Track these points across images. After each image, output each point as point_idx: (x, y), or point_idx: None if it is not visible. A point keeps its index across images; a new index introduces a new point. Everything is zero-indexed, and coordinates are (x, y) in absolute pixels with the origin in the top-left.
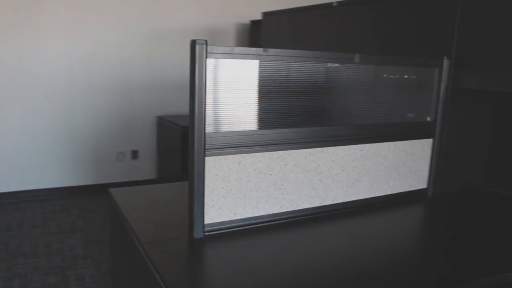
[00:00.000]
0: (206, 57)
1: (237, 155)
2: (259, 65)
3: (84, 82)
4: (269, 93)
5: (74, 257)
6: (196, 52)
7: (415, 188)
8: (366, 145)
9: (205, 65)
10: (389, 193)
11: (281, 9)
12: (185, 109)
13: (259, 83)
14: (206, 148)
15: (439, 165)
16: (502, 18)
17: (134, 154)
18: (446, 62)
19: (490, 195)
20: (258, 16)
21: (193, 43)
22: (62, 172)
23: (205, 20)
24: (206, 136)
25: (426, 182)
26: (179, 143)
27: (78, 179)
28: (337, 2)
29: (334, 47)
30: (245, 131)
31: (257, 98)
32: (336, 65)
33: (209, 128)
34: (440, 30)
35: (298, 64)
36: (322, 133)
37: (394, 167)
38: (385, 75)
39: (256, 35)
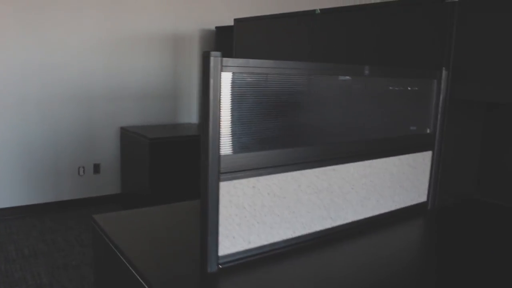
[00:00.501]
0: (221, 71)
1: (252, 178)
2: (275, 78)
3: (40, 92)
4: (285, 109)
5: (39, 287)
6: (210, 65)
7: (416, 202)
8: (374, 160)
9: (220, 80)
10: (393, 208)
11: (255, 16)
12: (150, 119)
13: (276, 97)
14: (221, 172)
15: (438, 177)
16: (499, 28)
17: (96, 168)
18: (445, 73)
19: (485, 205)
20: (224, 22)
21: (207, 55)
22: (18, 190)
23: (169, 26)
24: (221, 159)
25: (425, 195)
26: (147, 156)
27: (36, 197)
28: (320, 9)
29: (316, 57)
30: (261, 152)
31: (274, 115)
32: (347, 78)
33: (224, 150)
34: (437, 41)
35: (310, 78)
36: (335, 150)
37: (398, 182)
38: (390, 87)
39: (222, 42)
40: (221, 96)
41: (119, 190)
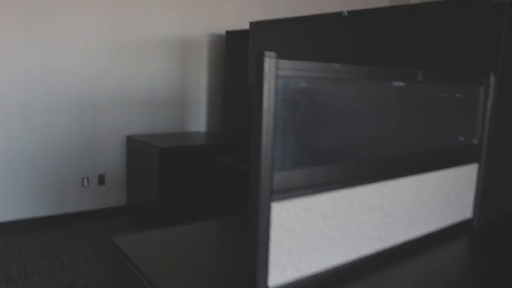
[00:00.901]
0: (277, 74)
1: (305, 198)
2: (336, 84)
3: (42, 99)
4: (341, 118)
5: None
6: (265, 68)
7: (462, 219)
8: (425, 174)
9: (276, 85)
10: (441, 226)
11: (273, 19)
12: (157, 128)
13: (332, 105)
14: (273, 191)
15: (484, 191)
16: None
17: (101, 179)
18: (493, 78)
19: None
20: (234, 27)
21: (261, 56)
22: (19, 202)
23: (177, 30)
24: (274, 176)
25: (471, 211)
26: (157, 166)
27: (38, 210)
28: (348, 11)
29: (343, 61)
30: (315, 168)
31: (329, 125)
32: (401, 84)
33: (277, 165)
34: (484, 44)
35: (366, 84)
36: (388, 165)
37: (446, 198)
38: (440, 94)
39: (233, 47)
40: (277, 104)
41: (125, 202)
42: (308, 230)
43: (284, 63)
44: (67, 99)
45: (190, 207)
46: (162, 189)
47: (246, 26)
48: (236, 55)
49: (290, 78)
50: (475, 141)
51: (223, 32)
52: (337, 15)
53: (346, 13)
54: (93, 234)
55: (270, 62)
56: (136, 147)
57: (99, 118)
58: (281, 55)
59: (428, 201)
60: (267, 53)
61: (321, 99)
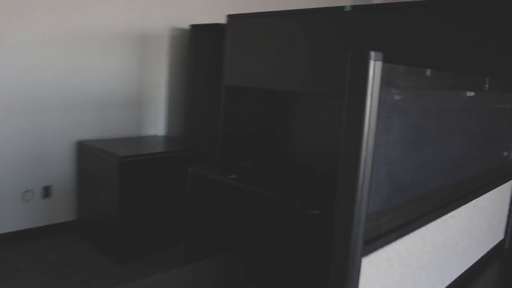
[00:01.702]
0: (383, 84)
1: (388, 246)
2: (427, 95)
3: None
4: (433, 139)
5: None
6: (369, 74)
7: (497, 241)
8: (480, 198)
9: (378, 99)
10: (484, 252)
11: (255, 12)
12: (112, 132)
13: (426, 123)
14: (366, 241)
15: None
16: None
17: (46, 191)
18: None
19: None
20: (200, 20)
21: (363, 57)
22: None
23: (135, 23)
24: (368, 221)
25: (503, 232)
26: (116, 176)
27: None
28: (352, 6)
29: (341, 63)
30: (403, 204)
31: (422, 148)
32: (472, 93)
33: (372, 205)
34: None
35: (449, 94)
36: (456, 191)
37: (490, 221)
38: (498, 105)
39: (199, 43)
40: (377, 125)
41: (75, 216)
42: (387, 285)
43: (388, 67)
44: (5, 98)
45: (155, 223)
46: (122, 202)
47: (212, 19)
48: (203, 51)
49: (398, 88)
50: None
51: (187, 26)
52: (337, 10)
53: (349, 8)
54: (39, 257)
55: (376, 67)
56: (89, 155)
57: (44, 121)
58: (262, 54)
59: (478, 228)
60: (373, 54)
61: (417, 115)
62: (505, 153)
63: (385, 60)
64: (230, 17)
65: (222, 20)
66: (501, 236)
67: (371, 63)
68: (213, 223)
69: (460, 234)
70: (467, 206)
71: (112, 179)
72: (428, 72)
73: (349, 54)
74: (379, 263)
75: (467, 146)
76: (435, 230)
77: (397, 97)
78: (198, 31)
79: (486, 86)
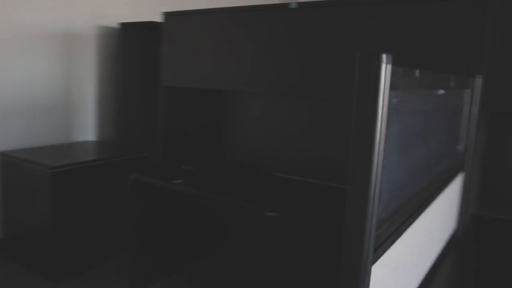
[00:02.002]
0: (393, 88)
1: (390, 250)
2: (421, 96)
3: None
4: (425, 139)
5: None
6: (380, 78)
7: (450, 231)
8: (442, 193)
9: (387, 101)
10: (443, 243)
11: (194, 9)
12: (37, 140)
13: (422, 124)
14: (376, 249)
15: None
16: None
17: None
18: (478, 81)
19: (496, 222)
20: (130, 18)
21: (374, 60)
22: None
23: (59, 20)
24: (377, 227)
25: (455, 221)
26: (48, 190)
27: None
28: (298, 3)
29: (290, 62)
30: (398, 208)
31: (417, 149)
32: (442, 92)
33: (381, 212)
34: (468, 42)
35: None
36: (431, 188)
37: (447, 212)
38: (455, 102)
39: (129, 41)
40: (388, 129)
41: (1, 235)
42: None
43: (397, 70)
44: None
45: (93, 235)
46: (57, 216)
47: (143, 17)
48: (134, 51)
49: (396, 91)
50: (461, 149)
51: (115, 24)
52: (281, 7)
53: (296, 5)
54: None
55: (387, 70)
56: (15, 167)
57: None
58: (204, 54)
59: (440, 221)
60: (384, 56)
61: (409, 117)
62: (459, 147)
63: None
64: (167, 14)
65: (153, 17)
66: (454, 226)
67: (383, 66)
68: (159, 232)
69: (430, 229)
70: (436, 202)
71: (43, 192)
72: (417, 72)
73: (358, 56)
74: (381, 270)
75: (438, 144)
76: (415, 230)
77: (394, 100)
78: (128, 29)
79: (452, 83)
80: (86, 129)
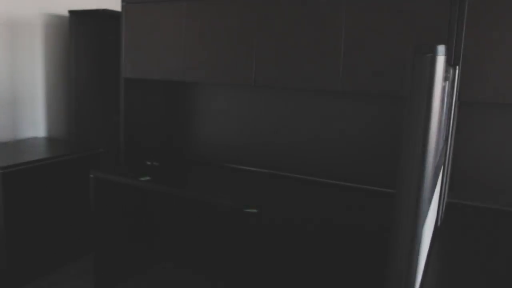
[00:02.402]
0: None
1: None
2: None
3: None
4: None
5: None
6: (435, 72)
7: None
8: None
9: (442, 93)
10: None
11: None
12: None
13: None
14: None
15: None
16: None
17: None
18: (454, 71)
19: (470, 209)
20: (80, 5)
21: (430, 51)
22: None
23: (3, 9)
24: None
25: (434, 211)
26: None
27: None
28: None
29: (264, 48)
30: None
31: None
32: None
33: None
34: (442, 28)
35: None
36: None
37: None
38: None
39: (80, 30)
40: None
41: None
42: None
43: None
44: None
45: (51, 241)
46: (9, 222)
47: (94, 4)
48: (86, 41)
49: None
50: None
51: (65, 12)
52: None
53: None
54: None
55: (439, 62)
56: None
57: None
58: (166, 44)
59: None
60: (439, 48)
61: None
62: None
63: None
64: (126, 2)
65: (108, 5)
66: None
67: (439, 58)
68: (124, 230)
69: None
70: None
71: None
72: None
73: (413, 49)
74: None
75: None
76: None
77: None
78: (79, 18)
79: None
80: (36, 124)
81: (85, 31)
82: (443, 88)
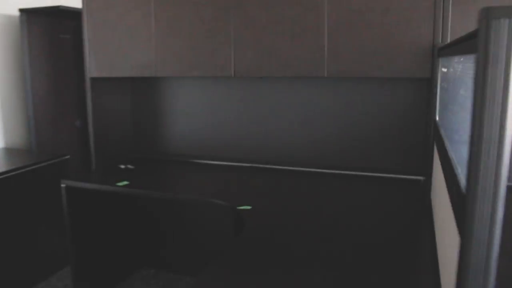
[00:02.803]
0: None
1: None
2: None
3: None
4: None
5: None
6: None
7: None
8: None
9: None
10: None
11: None
12: None
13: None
14: None
15: None
16: None
17: None
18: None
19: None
20: (32, 3)
21: (496, 15)
22: None
23: None
24: None
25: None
26: None
27: None
28: None
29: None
30: None
31: None
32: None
33: None
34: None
35: None
36: None
37: None
38: None
39: (34, 30)
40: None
41: None
42: None
43: None
44: None
45: (23, 257)
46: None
47: (48, 1)
48: (40, 41)
49: None
50: None
51: (15, 12)
52: None
53: None
54: None
55: (505, 27)
56: None
57: None
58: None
59: None
60: (501, 9)
61: None
62: None
63: None
64: None
65: (63, 1)
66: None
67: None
68: (101, 238)
69: None
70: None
71: None
72: None
73: (482, 13)
74: None
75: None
76: None
77: None
78: (31, 17)
79: None
80: None
81: (39, 31)
82: None
